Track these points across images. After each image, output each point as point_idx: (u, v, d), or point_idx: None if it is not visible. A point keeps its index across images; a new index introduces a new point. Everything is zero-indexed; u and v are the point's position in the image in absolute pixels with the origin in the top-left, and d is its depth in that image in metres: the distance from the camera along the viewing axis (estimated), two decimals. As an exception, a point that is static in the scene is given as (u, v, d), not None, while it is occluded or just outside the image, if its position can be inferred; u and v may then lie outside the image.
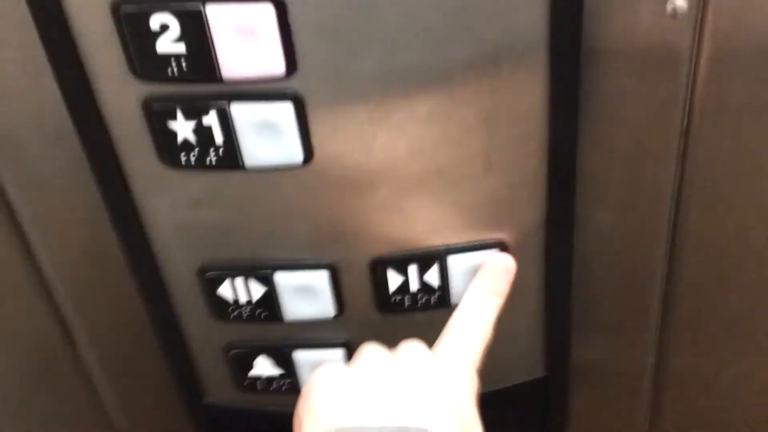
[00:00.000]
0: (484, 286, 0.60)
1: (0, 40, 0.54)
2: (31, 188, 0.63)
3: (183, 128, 0.55)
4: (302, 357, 0.67)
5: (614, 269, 0.66)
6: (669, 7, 0.53)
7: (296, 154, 0.56)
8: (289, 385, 0.69)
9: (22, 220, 0.65)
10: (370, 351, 0.55)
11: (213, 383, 0.72)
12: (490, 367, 0.69)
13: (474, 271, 0.62)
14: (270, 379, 0.69)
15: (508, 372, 0.70)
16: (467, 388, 0.53)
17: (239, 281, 0.63)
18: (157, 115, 0.54)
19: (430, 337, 0.63)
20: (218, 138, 0.55)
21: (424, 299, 0.63)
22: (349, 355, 0.67)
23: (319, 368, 0.54)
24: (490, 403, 0.71)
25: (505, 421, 0.72)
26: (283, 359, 0.68)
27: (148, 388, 0.77)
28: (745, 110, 0.57)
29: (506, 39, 0.52)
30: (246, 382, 0.70)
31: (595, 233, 0.64)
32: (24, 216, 0.65)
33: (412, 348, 0.55)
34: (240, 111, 0.54)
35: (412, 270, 0.62)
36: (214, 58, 0.51)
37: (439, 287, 0.63)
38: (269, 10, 0.50)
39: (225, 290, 0.64)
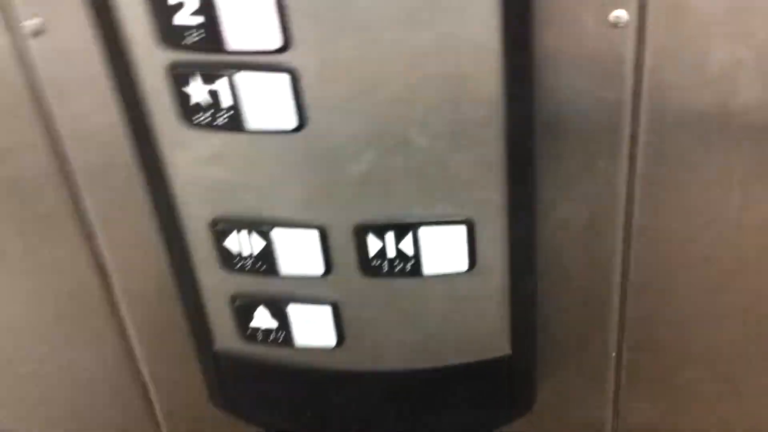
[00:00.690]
0: None
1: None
2: (83, 139, 0.75)
3: (197, 92, 0.65)
4: (295, 311, 0.76)
5: (577, 261, 0.72)
6: (611, 17, 0.60)
7: (290, 121, 0.65)
8: (284, 338, 0.78)
9: (73, 172, 0.77)
10: None
11: (221, 332, 0.81)
12: (457, 340, 0.75)
13: (444, 246, 0.69)
14: (268, 331, 0.78)
15: (475, 347, 0.76)
16: None
17: (243, 235, 0.73)
18: (176, 80, 0.65)
19: (409, 304, 0.71)
20: (225, 102, 0.65)
21: (400, 266, 0.71)
22: (336, 314, 0.75)
23: None
24: (457, 377, 0.77)
25: (472, 397, 0.79)
26: (279, 312, 0.76)
27: (170, 336, 0.87)
28: (686, 117, 0.63)
29: (461, 32, 0.60)
30: (248, 332, 0.79)
31: (558, 223, 0.71)
32: (76, 170, 0.77)
33: None
34: (243, 79, 0.64)
35: (389, 237, 0.70)
36: (221, 32, 0.62)
37: (413, 256, 0.70)
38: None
39: (231, 243, 0.73)
